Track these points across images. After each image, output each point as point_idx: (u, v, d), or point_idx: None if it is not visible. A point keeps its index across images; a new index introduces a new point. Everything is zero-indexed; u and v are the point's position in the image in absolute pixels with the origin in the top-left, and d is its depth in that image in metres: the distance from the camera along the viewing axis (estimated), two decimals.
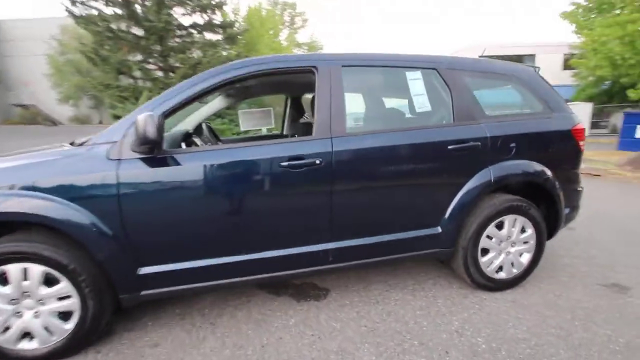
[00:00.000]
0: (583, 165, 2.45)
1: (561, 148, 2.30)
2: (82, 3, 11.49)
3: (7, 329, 1.56)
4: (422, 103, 2.11)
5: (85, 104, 24.85)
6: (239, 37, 14.17)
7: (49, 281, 1.57)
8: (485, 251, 2.17)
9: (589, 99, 15.46)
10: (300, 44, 28.68)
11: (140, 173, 1.62)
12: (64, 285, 1.57)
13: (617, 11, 11.36)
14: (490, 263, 2.18)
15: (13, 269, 1.51)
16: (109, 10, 11.64)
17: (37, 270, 1.53)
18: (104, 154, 1.61)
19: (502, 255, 2.20)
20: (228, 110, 9.64)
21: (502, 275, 2.22)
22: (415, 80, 2.10)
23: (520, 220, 2.17)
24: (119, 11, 11.57)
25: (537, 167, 2.18)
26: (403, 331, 1.85)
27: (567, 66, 20.46)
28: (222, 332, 1.86)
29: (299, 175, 1.79)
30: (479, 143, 2.05)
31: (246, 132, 4.83)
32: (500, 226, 2.16)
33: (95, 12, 11.59)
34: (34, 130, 17.80)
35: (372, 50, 2.26)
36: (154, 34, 11.56)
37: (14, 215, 1.50)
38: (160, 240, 1.70)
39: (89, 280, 1.58)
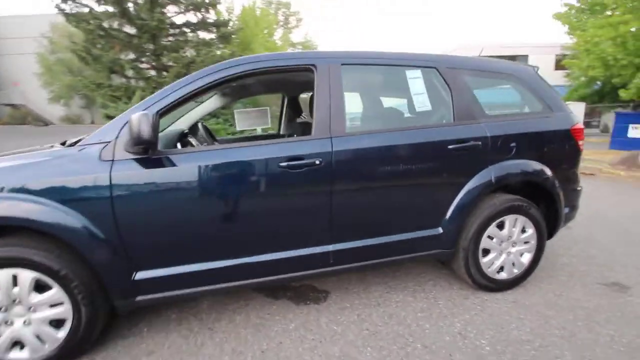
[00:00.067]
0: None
1: (561, 147, 2.29)
2: (73, 0, 11.28)
3: None
4: (422, 102, 2.08)
5: (77, 104, 24.46)
6: (233, 36, 14.03)
7: (40, 288, 1.51)
8: (486, 252, 2.15)
9: (581, 99, 15.65)
10: (295, 44, 28.61)
11: (134, 174, 1.56)
12: (56, 292, 1.51)
13: (609, 12, 11.49)
14: (491, 264, 2.16)
15: (2, 276, 1.45)
16: (100, 8, 11.45)
17: (27, 276, 1.47)
18: (97, 154, 1.55)
19: (503, 256, 2.18)
20: (222, 110, 9.57)
21: (503, 275, 2.20)
22: (415, 79, 2.08)
23: (521, 220, 2.15)
24: (110, 9, 11.38)
25: (538, 166, 2.16)
26: (405, 334, 1.82)
27: (559, 66, 20.68)
28: (221, 337, 1.81)
29: (298, 176, 1.75)
30: (480, 143, 2.03)
31: (241, 132, 4.78)
32: (500, 226, 2.14)
33: (86, 10, 11.39)
34: (24, 130, 17.50)
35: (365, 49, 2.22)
36: (146, 32, 11.39)
37: (1, 220, 1.44)
38: (156, 244, 1.65)
39: (82, 286, 1.52)
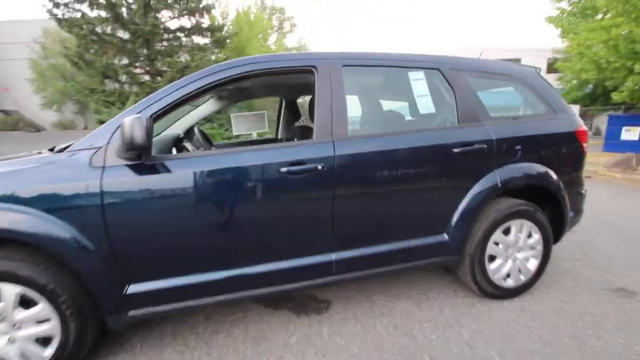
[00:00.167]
0: None
1: (566, 150, 2.25)
2: (65, 5, 11.16)
3: None
4: (426, 104, 2.03)
5: (70, 109, 24.18)
6: (227, 41, 13.95)
7: (26, 303, 1.41)
8: (492, 258, 2.09)
9: (573, 101, 15.80)
10: (289, 49, 28.67)
11: (127, 181, 1.48)
12: (42, 308, 1.42)
13: (599, 16, 11.62)
14: (497, 270, 2.10)
15: None
16: (93, 13, 11.34)
17: (11, 291, 1.38)
18: (87, 160, 1.47)
19: (510, 262, 2.12)
20: (217, 115, 9.49)
21: (510, 282, 2.14)
22: (418, 81, 2.02)
23: (527, 225, 2.10)
24: (103, 14, 11.27)
25: (543, 169, 2.12)
26: (412, 346, 1.75)
27: (550, 70, 20.92)
28: (219, 352, 1.72)
29: (300, 182, 1.67)
30: (485, 146, 1.98)
31: (237, 136, 4.71)
32: (506, 232, 2.08)
33: (79, 15, 11.27)
34: (16, 136, 17.23)
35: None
36: (140, 37, 11.29)
37: None
38: (150, 255, 1.56)
39: (71, 301, 1.43)
